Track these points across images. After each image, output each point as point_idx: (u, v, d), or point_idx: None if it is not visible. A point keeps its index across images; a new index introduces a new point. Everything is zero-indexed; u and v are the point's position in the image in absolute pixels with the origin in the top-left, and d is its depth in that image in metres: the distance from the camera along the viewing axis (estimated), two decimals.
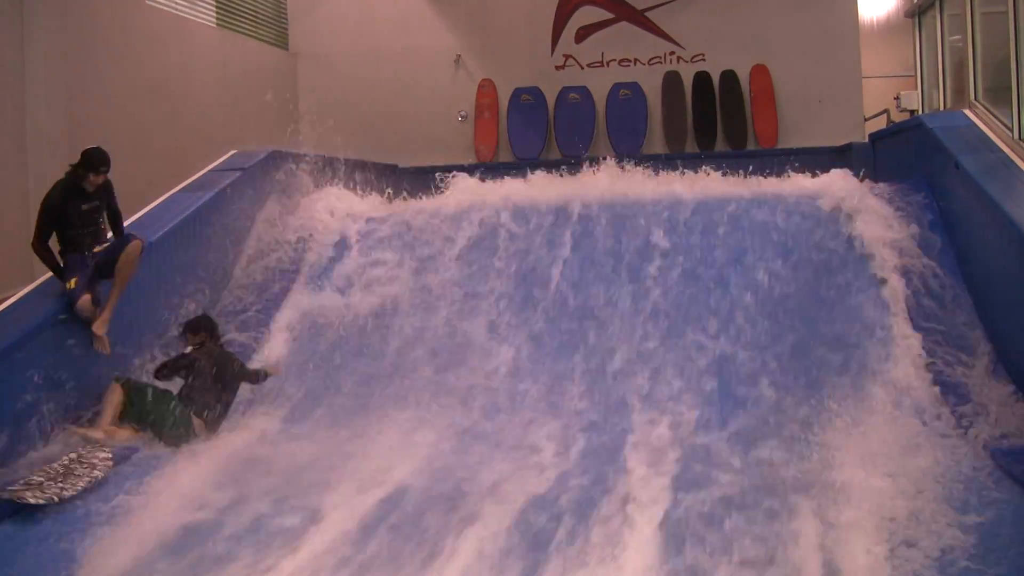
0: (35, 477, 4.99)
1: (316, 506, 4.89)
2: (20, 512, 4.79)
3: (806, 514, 4.59)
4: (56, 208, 6.08)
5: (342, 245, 8.29)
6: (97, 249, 6.26)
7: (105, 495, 5.06)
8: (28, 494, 4.83)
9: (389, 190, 9.39)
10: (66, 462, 5.16)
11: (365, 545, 4.52)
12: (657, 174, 8.65)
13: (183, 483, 5.26)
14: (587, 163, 8.96)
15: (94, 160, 6.05)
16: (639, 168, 8.75)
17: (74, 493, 4.96)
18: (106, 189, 6.25)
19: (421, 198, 8.99)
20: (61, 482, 5.00)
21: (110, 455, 5.36)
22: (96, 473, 5.18)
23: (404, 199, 9.21)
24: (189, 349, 6.37)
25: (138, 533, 4.70)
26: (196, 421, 5.99)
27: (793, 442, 5.56)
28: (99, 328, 6.04)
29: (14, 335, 5.61)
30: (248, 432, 6.20)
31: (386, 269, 7.94)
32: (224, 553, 4.49)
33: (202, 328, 6.50)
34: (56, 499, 4.87)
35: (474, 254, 7.93)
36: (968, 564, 4.10)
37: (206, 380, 6.13)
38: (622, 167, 8.79)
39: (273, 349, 7.23)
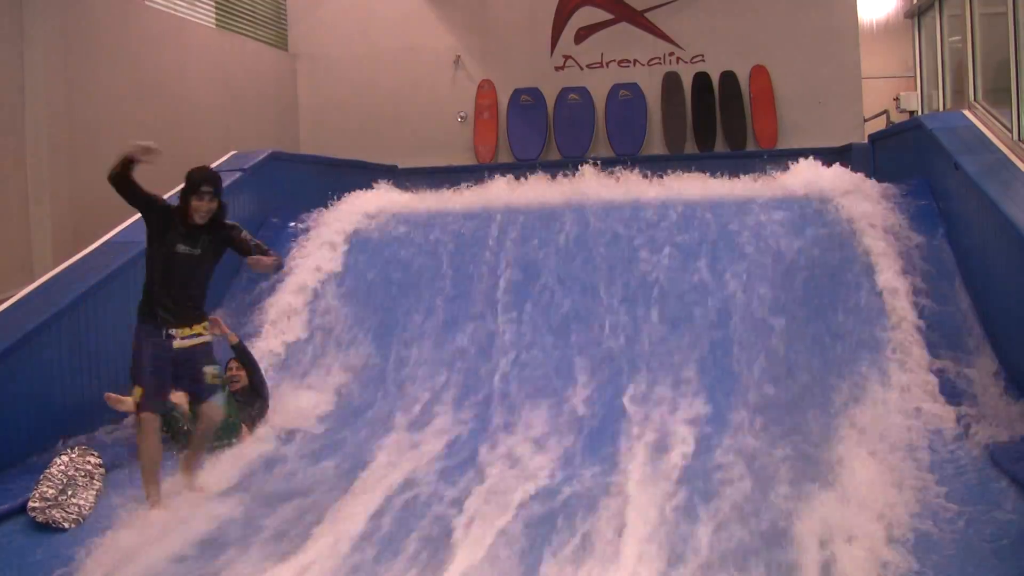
0: (44, 488, 4.96)
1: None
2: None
3: (805, 516, 4.57)
4: (155, 207, 4.91)
5: None
6: (183, 338, 4.87)
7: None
8: (58, 514, 4.86)
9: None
10: (62, 467, 5.13)
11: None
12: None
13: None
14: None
15: (194, 179, 4.89)
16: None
17: (89, 510, 4.98)
18: (217, 229, 4.93)
19: None
20: (72, 495, 5.00)
21: (100, 460, 5.34)
22: (96, 483, 5.18)
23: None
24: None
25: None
26: (244, 430, 6.09)
27: (791, 444, 5.55)
28: (191, 488, 5.10)
29: (14, 335, 5.60)
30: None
31: None
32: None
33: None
34: (82, 519, 4.90)
35: None
36: (969, 564, 4.11)
37: (260, 407, 6.31)
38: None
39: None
